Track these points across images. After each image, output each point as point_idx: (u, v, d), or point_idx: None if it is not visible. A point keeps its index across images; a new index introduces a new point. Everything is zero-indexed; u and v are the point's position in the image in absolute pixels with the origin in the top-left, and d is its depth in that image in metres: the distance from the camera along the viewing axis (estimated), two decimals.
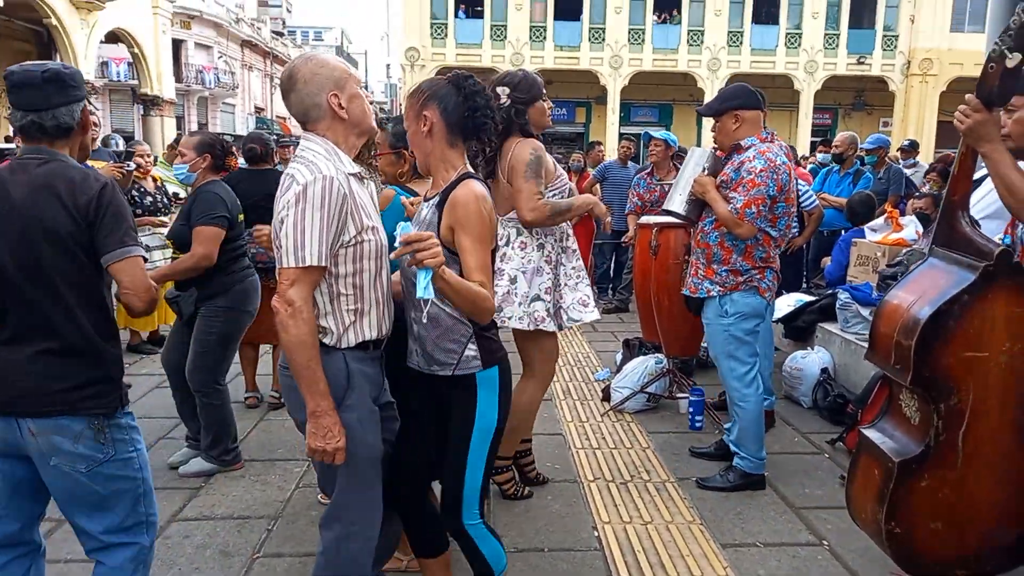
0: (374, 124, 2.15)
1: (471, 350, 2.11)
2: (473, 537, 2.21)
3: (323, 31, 66.60)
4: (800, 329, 5.40)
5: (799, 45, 27.86)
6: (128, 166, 4.93)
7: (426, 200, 2.21)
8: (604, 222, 4.49)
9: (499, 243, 3.31)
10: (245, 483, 3.64)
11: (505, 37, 27.53)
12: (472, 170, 2.17)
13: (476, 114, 2.13)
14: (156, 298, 2.10)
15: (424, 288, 1.79)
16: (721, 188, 3.45)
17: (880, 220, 5.44)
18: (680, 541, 3.09)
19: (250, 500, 3.45)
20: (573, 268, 3.43)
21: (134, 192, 5.67)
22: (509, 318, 3.21)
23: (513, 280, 3.25)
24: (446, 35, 27.53)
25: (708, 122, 3.94)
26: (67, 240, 1.94)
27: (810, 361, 4.83)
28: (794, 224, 5.80)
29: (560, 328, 3.37)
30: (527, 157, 3.15)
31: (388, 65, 57.80)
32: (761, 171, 3.33)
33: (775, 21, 27.88)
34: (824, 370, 4.75)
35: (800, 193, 5.68)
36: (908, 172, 7.80)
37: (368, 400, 2.05)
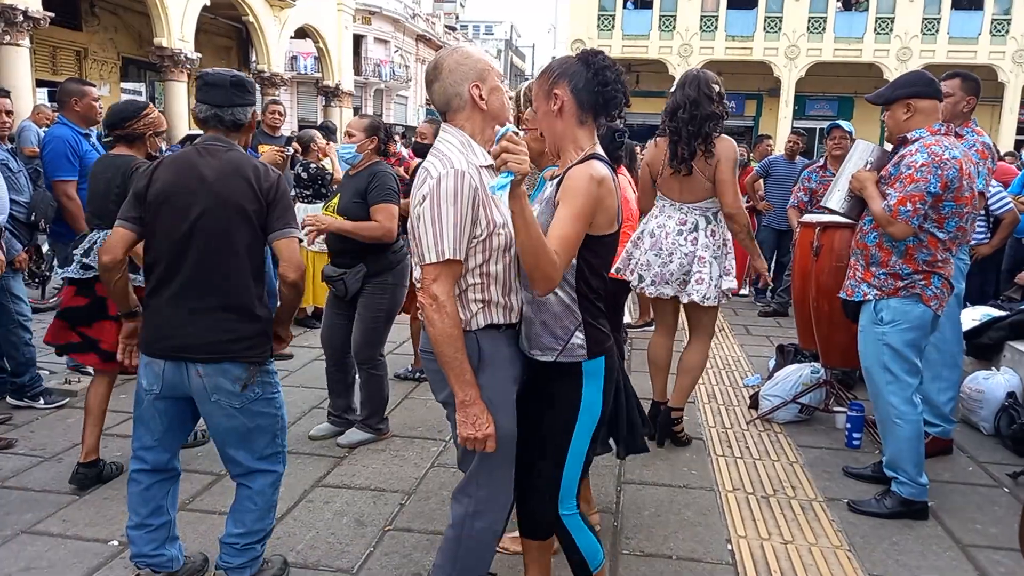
0: (511, 119, 2.14)
1: (578, 338, 2.05)
2: (569, 528, 2.17)
3: (493, 25, 68.10)
4: (985, 347, 4.83)
5: (1006, 32, 25.03)
6: (287, 151, 5.35)
7: (551, 179, 2.16)
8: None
9: (683, 228, 3.81)
10: (385, 457, 3.78)
11: (674, 27, 26.84)
12: (602, 152, 2.09)
13: (607, 88, 2.06)
14: (305, 273, 2.50)
15: (498, 187, 1.73)
16: (881, 184, 3.15)
17: None
18: (823, 566, 2.85)
19: (387, 474, 3.58)
20: (726, 239, 3.89)
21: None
22: (705, 298, 3.78)
23: (708, 263, 3.79)
24: (613, 26, 27.26)
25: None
26: (252, 216, 2.37)
27: (994, 383, 4.32)
28: (979, 228, 5.20)
29: (719, 301, 3.87)
30: (734, 155, 3.75)
31: (554, 57, 58.09)
32: (922, 166, 3.00)
33: (979, 6, 25.22)
34: (1011, 394, 4.22)
35: (990, 194, 5.07)
36: None
37: (502, 380, 2.05)
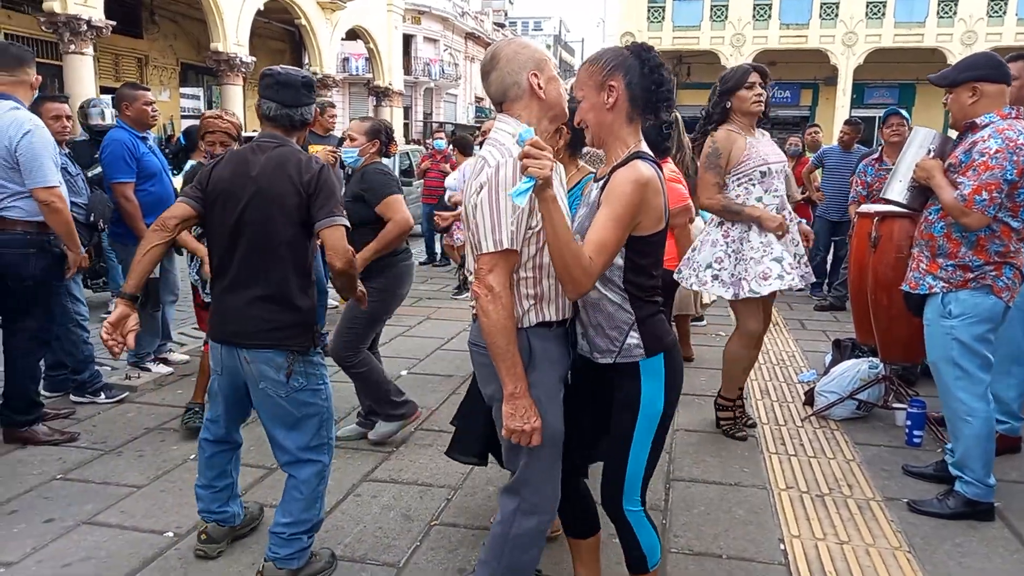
0: (564, 111, 2.10)
1: (633, 338, 2.01)
2: (632, 523, 2.14)
3: (542, 21, 68.00)
4: None
5: None
6: (340, 152, 5.36)
7: (596, 180, 2.12)
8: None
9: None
10: (432, 452, 3.79)
11: (726, 17, 26.32)
12: (646, 149, 2.04)
13: (661, 88, 2.01)
14: (354, 261, 2.59)
15: (518, 193, 1.69)
16: (949, 172, 3.01)
17: None
18: (880, 568, 2.75)
19: (434, 469, 3.59)
20: (761, 242, 3.71)
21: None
22: (685, 279, 3.89)
23: (695, 249, 3.91)
24: (663, 18, 26.87)
25: None
26: (292, 210, 2.43)
27: None
28: None
29: (736, 296, 3.74)
30: (706, 149, 3.74)
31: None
32: (997, 152, 2.86)
33: None
34: None
35: None
36: None
37: (551, 379, 2.04)
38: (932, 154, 3.14)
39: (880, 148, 6.16)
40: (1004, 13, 24.54)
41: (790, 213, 3.88)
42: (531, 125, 2.00)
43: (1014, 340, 3.63)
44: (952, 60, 24.23)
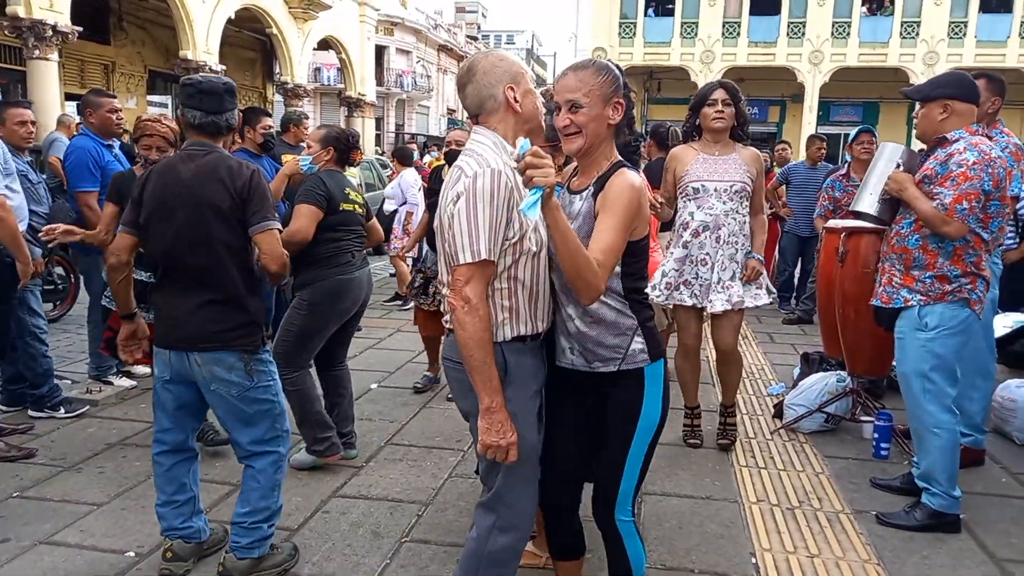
0: (540, 124, 2.11)
1: (638, 343, 2.03)
2: (623, 534, 2.13)
3: (515, 34, 68.40)
4: (1018, 355, 4.72)
5: None
6: None
7: (572, 191, 2.11)
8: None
9: None
10: (402, 467, 3.74)
11: (696, 35, 26.71)
12: (623, 159, 2.06)
13: (631, 109, 2.09)
14: (287, 263, 2.67)
15: (529, 207, 1.68)
16: (923, 184, 3.06)
17: None
18: None
19: (404, 484, 3.54)
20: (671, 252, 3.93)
21: None
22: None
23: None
24: (634, 34, 27.18)
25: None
26: (228, 214, 2.51)
27: None
28: (1008, 230, 5.07)
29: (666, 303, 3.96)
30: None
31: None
32: (974, 163, 2.92)
33: (1007, 8, 24.81)
34: None
35: (1021, 197, 4.94)
36: None
37: (526, 394, 2.02)
38: (901, 168, 3.19)
39: (847, 164, 6.26)
40: (964, 35, 25.25)
41: (732, 235, 3.80)
42: (506, 138, 2.00)
43: (979, 353, 3.70)
44: (914, 80, 24.89)
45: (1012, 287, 5.60)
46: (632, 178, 1.97)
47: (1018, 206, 4.99)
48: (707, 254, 3.81)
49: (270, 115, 5.47)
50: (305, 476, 3.59)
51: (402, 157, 8.72)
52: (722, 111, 3.75)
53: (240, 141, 5.23)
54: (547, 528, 2.28)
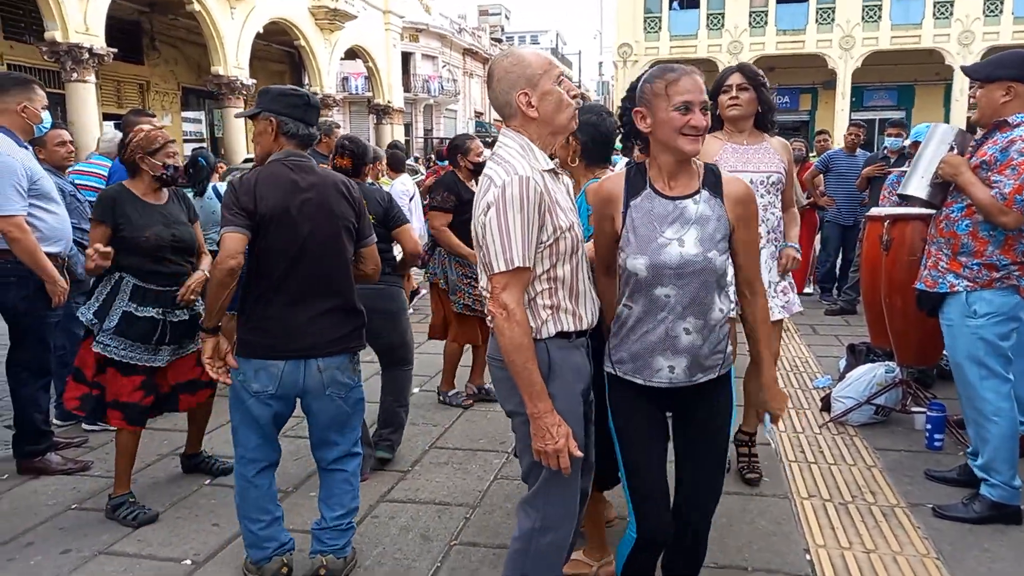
0: (568, 121, 2.04)
1: (728, 345, 2.09)
2: (706, 537, 2.21)
3: (539, 34, 68.34)
4: None
5: None
6: None
7: (676, 196, 2.02)
8: None
9: None
10: (448, 471, 3.75)
11: (722, 25, 26.46)
12: None
13: None
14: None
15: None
16: (980, 169, 2.97)
17: None
18: None
19: (451, 487, 3.55)
20: None
21: None
22: None
23: None
24: (660, 28, 27.02)
25: (956, 105, 3.38)
26: (351, 225, 2.68)
27: None
28: None
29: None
30: None
31: (600, 63, 58.05)
32: None
33: None
34: None
35: None
36: None
37: (572, 391, 2.01)
38: (954, 150, 3.10)
39: (885, 151, 6.13)
40: (1000, 12, 24.62)
41: (773, 232, 3.41)
42: (533, 140, 1.99)
43: None
44: (950, 60, 24.34)
45: None
46: (743, 181, 2.08)
47: None
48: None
49: (339, 126, 5.57)
50: None
51: (394, 164, 7.94)
52: (737, 97, 3.30)
53: None
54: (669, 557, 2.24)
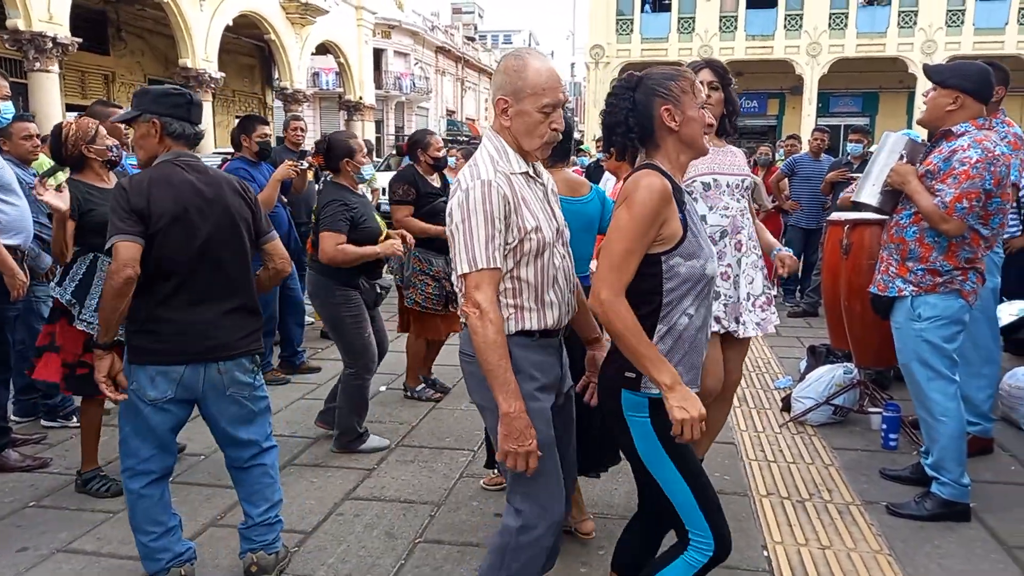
0: (534, 149, 2.03)
1: None
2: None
3: (512, 34, 68.37)
4: (1023, 342, 4.72)
5: None
6: (301, 165, 5.23)
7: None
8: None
9: None
10: (413, 468, 3.76)
11: (693, 29, 26.72)
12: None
13: None
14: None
15: None
16: (925, 179, 3.07)
17: None
18: (863, 572, 2.78)
19: (417, 485, 3.56)
20: None
21: None
22: None
23: None
24: (631, 31, 27.21)
25: (920, 111, 3.48)
26: (248, 223, 2.65)
27: None
28: (1012, 221, 5.08)
29: None
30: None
31: (572, 64, 58.23)
32: (977, 162, 2.92)
33: None
34: None
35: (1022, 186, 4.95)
36: None
37: (530, 385, 2.01)
38: (904, 159, 3.19)
39: (848, 157, 6.27)
40: (962, 23, 25.19)
41: (751, 239, 3.08)
42: (510, 144, 2.03)
43: (984, 341, 3.72)
44: (914, 69, 24.89)
45: (1017, 275, 5.62)
46: None
47: (1021, 194, 5.01)
48: (728, 265, 3.00)
49: (267, 123, 5.49)
50: (318, 479, 3.62)
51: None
52: (709, 96, 2.88)
53: (237, 151, 5.25)
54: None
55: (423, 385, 4.90)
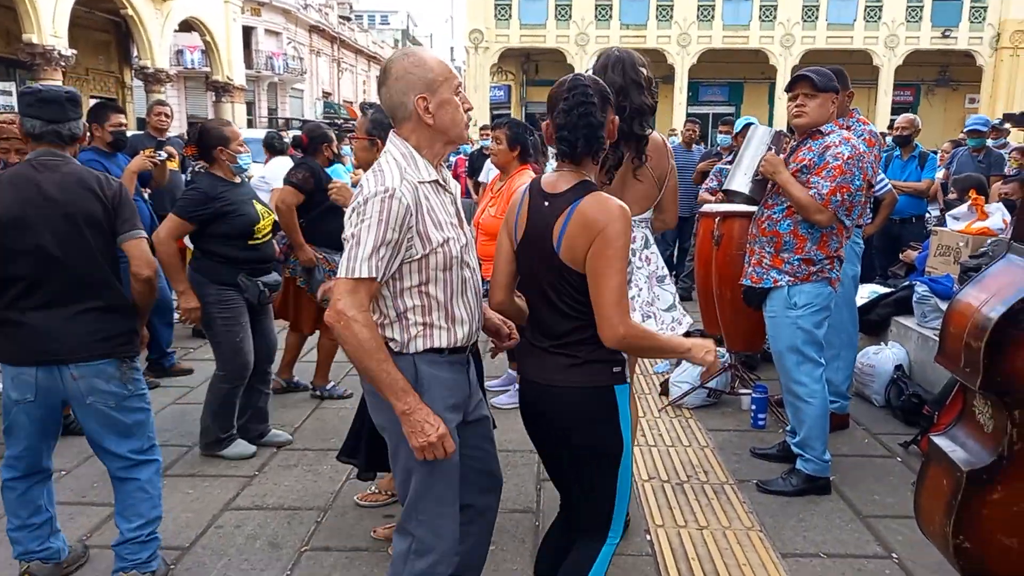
0: (464, 133, 2.02)
1: None
2: None
3: (389, 15, 67.07)
4: (873, 323, 5.12)
5: (879, 18, 26.61)
6: (160, 155, 4.93)
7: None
8: None
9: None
10: (297, 472, 3.65)
11: (570, 16, 27.14)
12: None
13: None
14: (157, 269, 2.72)
15: None
16: (800, 173, 3.26)
17: (964, 207, 5.09)
18: (737, 549, 2.95)
19: (301, 491, 3.46)
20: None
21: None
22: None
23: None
24: (510, 16, 27.31)
25: (780, 101, 3.71)
26: (102, 223, 2.51)
27: (883, 357, 4.58)
28: (866, 212, 5.50)
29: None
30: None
31: (452, 48, 57.84)
32: (849, 158, 3.16)
33: None
34: (898, 367, 4.49)
35: (876, 181, 5.37)
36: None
37: (441, 405, 1.94)
38: (772, 150, 3.37)
39: (728, 149, 6.57)
40: (817, 18, 26.90)
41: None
42: (420, 148, 1.94)
43: (845, 326, 4.03)
44: (774, 61, 26.38)
45: (865, 262, 6.07)
46: None
47: (875, 188, 5.42)
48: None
49: (123, 111, 5.10)
50: (194, 491, 3.45)
51: (269, 145, 7.83)
52: None
53: (88, 140, 4.86)
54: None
55: (332, 383, 4.81)
